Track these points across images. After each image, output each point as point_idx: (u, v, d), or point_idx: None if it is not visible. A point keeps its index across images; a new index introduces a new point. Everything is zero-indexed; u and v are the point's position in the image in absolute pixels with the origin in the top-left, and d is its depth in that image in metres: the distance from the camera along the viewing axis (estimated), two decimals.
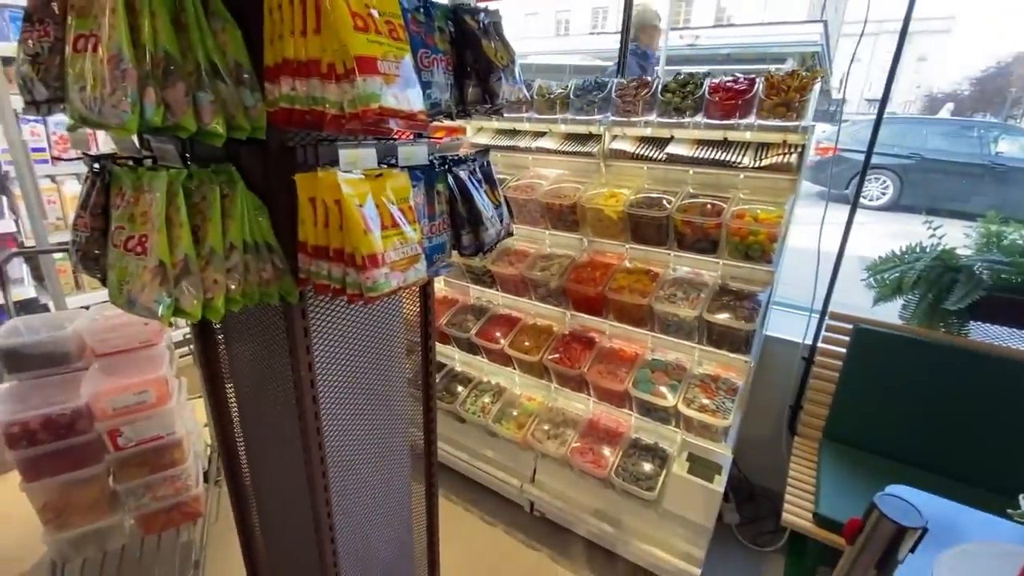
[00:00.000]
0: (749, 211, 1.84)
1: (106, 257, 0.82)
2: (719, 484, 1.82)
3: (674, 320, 1.90)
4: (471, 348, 2.48)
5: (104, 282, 0.84)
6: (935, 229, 1.97)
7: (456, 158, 1.05)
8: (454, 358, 2.71)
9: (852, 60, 2.29)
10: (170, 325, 0.76)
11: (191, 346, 2.35)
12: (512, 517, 2.40)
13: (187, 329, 2.40)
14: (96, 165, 0.82)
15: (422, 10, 0.90)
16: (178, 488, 1.93)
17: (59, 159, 2.80)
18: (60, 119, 2.75)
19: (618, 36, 2.64)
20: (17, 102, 2.55)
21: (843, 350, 2.05)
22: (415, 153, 0.98)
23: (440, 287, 2.79)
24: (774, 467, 2.36)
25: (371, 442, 1.36)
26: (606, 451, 2.10)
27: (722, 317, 1.78)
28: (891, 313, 2.08)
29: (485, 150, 1.11)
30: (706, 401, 1.88)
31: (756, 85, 1.85)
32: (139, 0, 0.66)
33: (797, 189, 1.85)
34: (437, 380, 2.54)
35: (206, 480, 2.19)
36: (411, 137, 1.07)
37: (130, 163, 0.86)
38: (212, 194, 0.78)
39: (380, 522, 1.48)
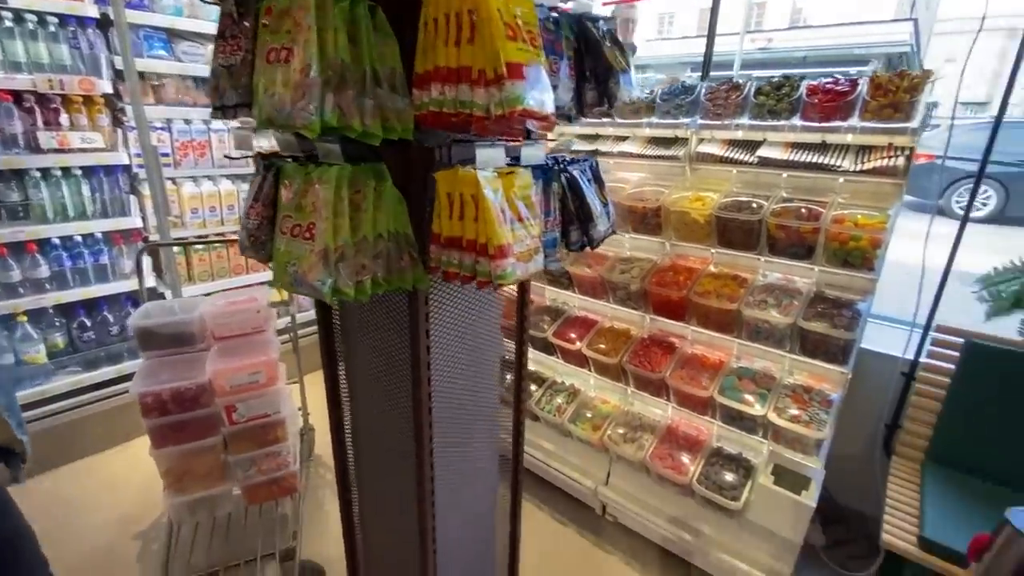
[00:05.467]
0: (849, 216, 1.77)
1: (272, 242, 0.93)
2: (810, 498, 1.75)
3: (765, 327, 1.86)
4: (546, 348, 2.52)
5: (267, 263, 0.96)
6: None
7: (570, 158, 1.10)
8: (528, 357, 2.77)
9: (966, 62, 2.14)
10: (329, 302, 0.85)
11: (291, 334, 2.56)
12: (584, 518, 2.41)
13: (287, 319, 2.61)
14: (267, 162, 0.94)
15: (552, 20, 0.96)
16: (279, 463, 2.09)
17: (179, 164, 3.13)
18: (183, 128, 3.08)
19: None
20: (151, 112, 2.88)
21: (951, 366, 1.92)
22: (535, 154, 1.04)
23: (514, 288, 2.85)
24: (864, 488, 2.24)
25: (466, 433, 1.43)
26: (685, 458, 2.07)
27: (819, 325, 1.72)
28: (1004, 330, 1.92)
29: (594, 152, 1.16)
30: (798, 412, 1.81)
31: (859, 86, 1.78)
32: (326, 20, 0.75)
33: (903, 194, 1.76)
34: (509, 377, 2.59)
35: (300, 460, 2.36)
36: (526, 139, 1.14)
37: (290, 159, 0.98)
38: (368, 188, 0.87)
39: (468, 515, 1.54)
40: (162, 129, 3.03)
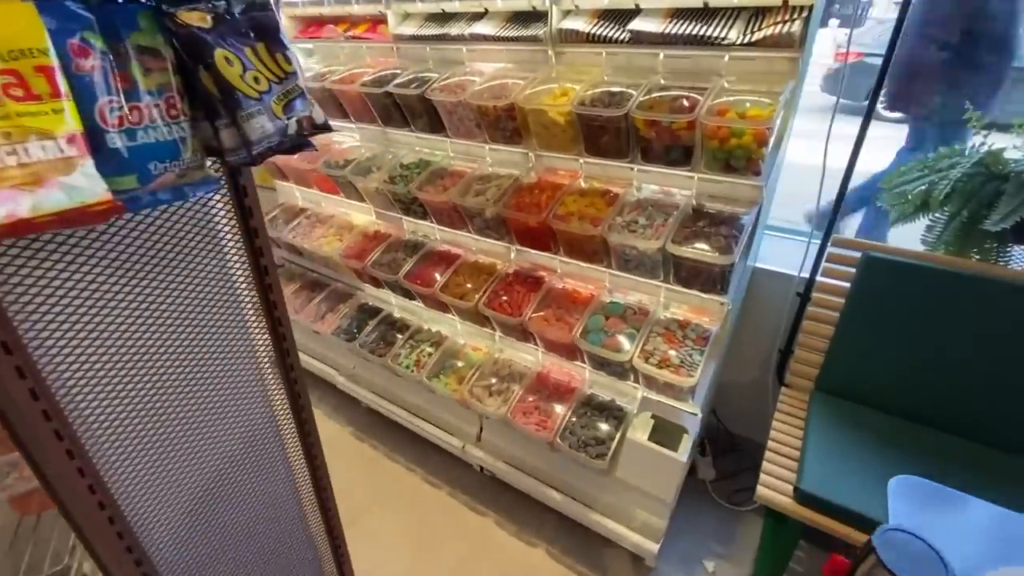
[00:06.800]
0: (735, 105, 1.37)
1: None
2: (682, 452, 1.50)
3: (633, 254, 1.50)
4: (406, 292, 2.10)
5: None
6: (980, 126, 1.50)
7: None
8: (391, 303, 2.35)
9: None
10: None
11: None
12: (459, 476, 2.14)
13: None
14: None
15: None
16: None
17: None
18: None
19: None
20: None
21: (846, 284, 1.66)
22: None
23: (371, 219, 2.37)
24: (758, 417, 2.05)
25: (186, 424, 1.01)
26: (558, 408, 1.78)
27: (690, 249, 1.37)
28: (912, 238, 1.66)
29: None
30: (671, 353, 1.51)
31: None
32: None
33: (800, 72, 1.37)
34: (370, 327, 2.18)
35: None
36: None
37: None
38: None
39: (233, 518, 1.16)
40: None
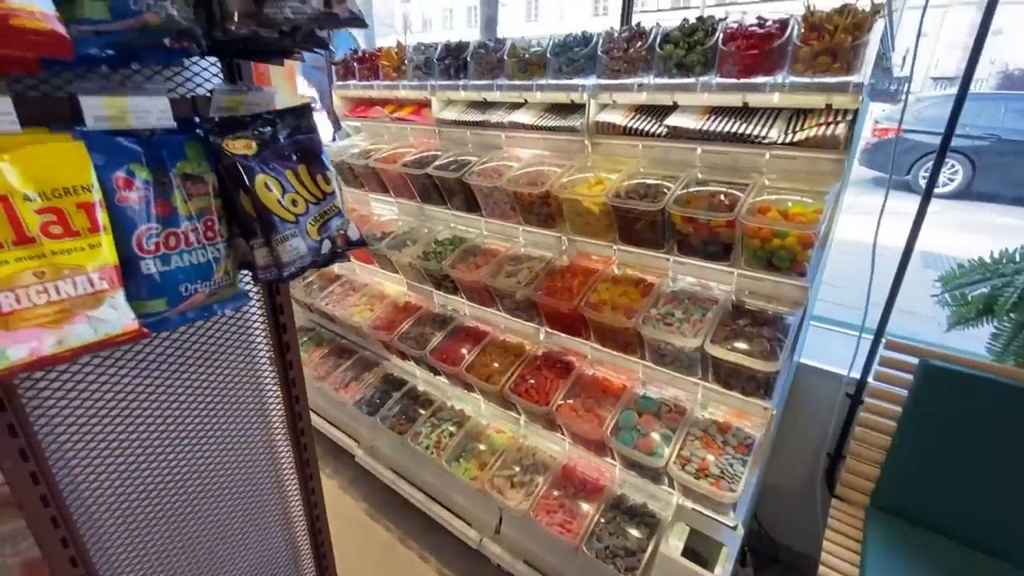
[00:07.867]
0: (777, 204, 1.34)
1: None
2: (721, 573, 1.35)
3: (669, 349, 1.43)
4: (432, 368, 2.07)
5: None
6: None
7: (232, 119, 0.62)
8: (416, 375, 2.32)
9: (919, 34, 1.68)
10: None
11: None
12: (477, 570, 2.00)
13: None
14: None
15: None
16: None
17: None
18: None
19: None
20: None
21: (903, 391, 1.53)
22: (136, 107, 0.56)
23: (402, 290, 2.38)
24: (805, 526, 1.87)
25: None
26: (584, 507, 1.66)
27: (731, 352, 1.30)
28: (973, 340, 1.54)
29: (303, 108, 0.67)
30: (710, 458, 1.40)
31: (790, 28, 1.33)
32: None
33: (845, 173, 1.33)
34: (394, 399, 2.14)
35: None
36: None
37: None
38: None
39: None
40: None
